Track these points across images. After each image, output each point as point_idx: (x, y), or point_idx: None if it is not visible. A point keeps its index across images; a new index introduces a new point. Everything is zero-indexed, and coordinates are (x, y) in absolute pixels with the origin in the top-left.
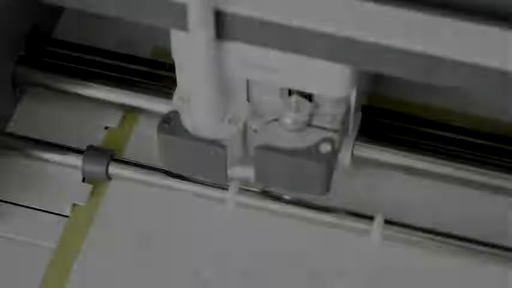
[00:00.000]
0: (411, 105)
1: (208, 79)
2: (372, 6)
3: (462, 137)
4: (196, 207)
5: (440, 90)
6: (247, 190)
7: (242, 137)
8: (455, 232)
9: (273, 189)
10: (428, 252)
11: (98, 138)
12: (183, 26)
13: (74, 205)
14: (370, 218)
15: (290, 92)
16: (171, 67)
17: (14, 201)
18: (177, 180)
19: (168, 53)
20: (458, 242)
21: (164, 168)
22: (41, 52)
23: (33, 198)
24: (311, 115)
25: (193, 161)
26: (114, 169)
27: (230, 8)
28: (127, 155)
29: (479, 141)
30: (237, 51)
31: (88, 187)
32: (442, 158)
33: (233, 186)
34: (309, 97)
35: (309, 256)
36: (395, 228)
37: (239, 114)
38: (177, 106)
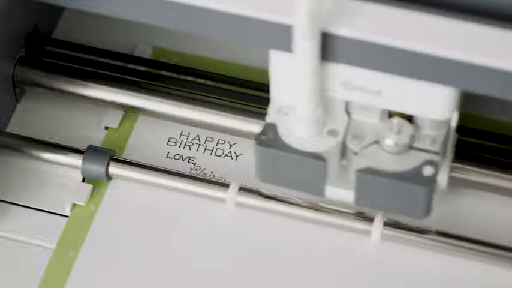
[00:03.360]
0: None
1: (308, 99)
2: (475, 27)
3: (461, 137)
4: (197, 207)
5: None
6: (247, 190)
7: (341, 151)
8: (455, 232)
9: (272, 189)
10: (429, 252)
11: (98, 138)
12: (287, 48)
13: (74, 205)
14: (370, 218)
15: (390, 114)
16: (171, 67)
17: (14, 201)
18: (177, 180)
19: (168, 53)
20: (459, 242)
21: (170, 170)
22: (41, 52)
23: (33, 198)
24: (412, 137)
25: (291, 174)
26: (114, 169)
27: (337, 30)
28: (127, 155)
29: (476, 140)
30: (340, 73)
31: (88, 187)
32: None
33: (233, 186)
34: (409, 119)
35: (308, 256)
36: (395, 228)
37: (338, 127)
38: (274, 119)
